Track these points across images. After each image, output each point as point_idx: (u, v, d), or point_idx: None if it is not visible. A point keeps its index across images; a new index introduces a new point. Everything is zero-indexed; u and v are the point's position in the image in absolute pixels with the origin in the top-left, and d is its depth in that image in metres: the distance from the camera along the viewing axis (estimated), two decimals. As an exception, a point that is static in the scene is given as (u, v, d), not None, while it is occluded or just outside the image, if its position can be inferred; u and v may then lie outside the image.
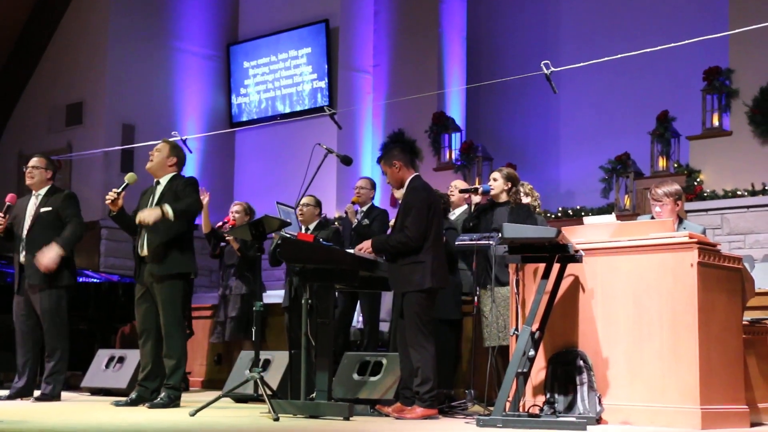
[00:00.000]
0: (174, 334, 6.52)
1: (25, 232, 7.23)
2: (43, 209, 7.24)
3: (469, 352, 7.03)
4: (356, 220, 7.94)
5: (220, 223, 8.79)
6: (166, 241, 6.50)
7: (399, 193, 6.95)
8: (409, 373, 5.92)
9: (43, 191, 7.34)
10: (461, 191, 7.42)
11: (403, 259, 5.90)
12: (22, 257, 7.24)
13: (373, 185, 8.33)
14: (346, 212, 8.15)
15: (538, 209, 7.08)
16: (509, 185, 6.68)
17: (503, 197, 6.66)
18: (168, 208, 6.37)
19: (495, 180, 6.71)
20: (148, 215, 6.39)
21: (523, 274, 5.59)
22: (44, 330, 7.17)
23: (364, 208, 8.13)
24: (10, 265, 8.12)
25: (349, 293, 7.88)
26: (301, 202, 7.78)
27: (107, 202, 6.54)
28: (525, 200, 6.89)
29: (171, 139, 7.01)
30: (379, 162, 6.33)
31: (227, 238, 8.60)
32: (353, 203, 8.15)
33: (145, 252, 6.57)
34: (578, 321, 5.38)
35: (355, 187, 8.31)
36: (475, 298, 6.66)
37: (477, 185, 6.95)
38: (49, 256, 7.00)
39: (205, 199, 8.61)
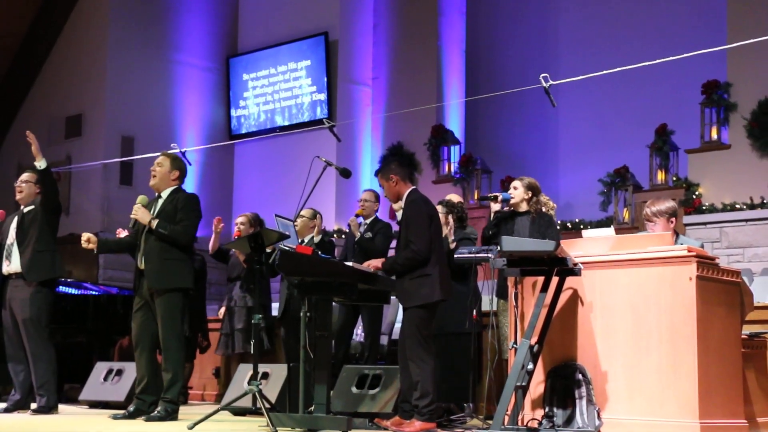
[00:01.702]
0: (172, 348, 6.52)
1: (9, 243, 7.26)
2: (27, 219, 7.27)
3: (477, 364, 6.99)
4: (359, 233, 7.94)
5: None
6: (165, 254, 6.54)
7: (397, 206, 6.94)
8: (408, 386, 5.90)
9: (29, 207, 7.36)
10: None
11: (411, 273, 5.89)
12: (6, 267, 7.25)
13: (378, 198, 8.34)
14: (349, 225, 8.15)
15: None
16: (530, 194, 6.63)
17: (524, 206, 6.63)
18: (154, 226, 6.53)
19: (515, 189, 6.66)
20: (139, 213, 6.60)
21: (522, 287, 5.59)
22: (25, 339, 7.14)
23: (368, 221, 8.13)
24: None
25: (351, 306, 7.87)
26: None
27: (87, 246, 6.75)
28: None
29: (170, 152, 7.04)
30: (377, 175, 6.33)
31: (231, 251, 8.59)
32: (357, 216, 8.15)
33: (143, 265, 6.59)
34: (577, 334, 5.37)
35: (359, 200, 8.32)
36: (474, 311, 6.64)
37: (496, 193, 6.88)
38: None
39: (220, 227, 8.59)
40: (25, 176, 7.45)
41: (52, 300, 7.29)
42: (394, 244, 6.83)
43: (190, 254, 6.78)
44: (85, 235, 6.71)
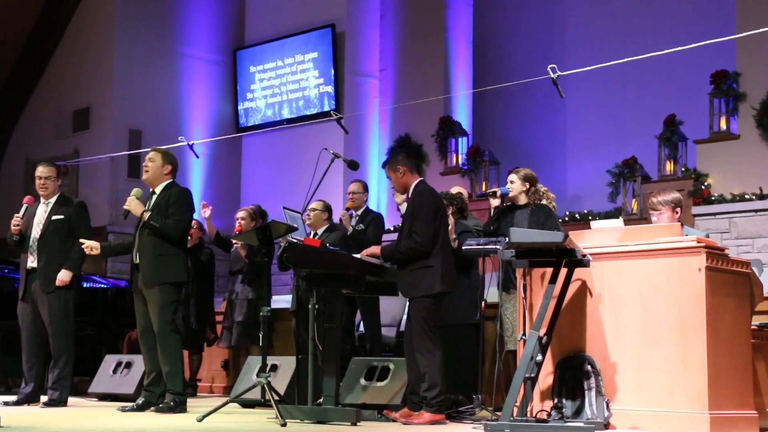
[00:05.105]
0: (167, 340, 6.57)
1: (35, 238, 7.25)
2: (54, 217, 7.29)
3: (482, 356, 6.99)
4: (351, 226, 7.92)
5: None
6: (158, 250, 6.58)
7: (399, 198, 6.92)
8: (416, 378, 5.90)
9: (53, 199, 7.39)
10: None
11: (412, 264, 5.89)
12: (30, 262, 7.26)
13: (366, 188, 8.31)
14: (341, 220, 8.13)
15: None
16: (527, 186, 6.62)
17: (522, 198, 6.61)
18: (146, 217, 6.57)
19: (512, 182, 6.65)
20: (132, 204, 6.63)
21: (530, 279, 5.58)
22: (50, 335, 7.19)
23: (359, 212, 8.11)
24: (16, 270, 8.12)
25: (347, 299, 7.84)
26: (310, 207, 7.77)
27: (90, 253, 6.81)
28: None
29: (161, 147, 7.06)
30: (384, 167, 6.33)
31: (234, 244, 8.61)
32: (347, 209, 8.13)
33: (137, 260, 6.61)
34: (586, 325, 5.37)
35: (348, 192, 8.29)
36: (482, 302, 6.64)
37: (495, 188, 6.88)
38: (61, 278, 7.17)
39: (206, 212, 8.59)
40: (45, 172, 7.39)
41: (76, 301, 7.33)
42: (386, 236, 6.81)
43: (184, 249, 6.81)
44: (86, 244, 6.77)
